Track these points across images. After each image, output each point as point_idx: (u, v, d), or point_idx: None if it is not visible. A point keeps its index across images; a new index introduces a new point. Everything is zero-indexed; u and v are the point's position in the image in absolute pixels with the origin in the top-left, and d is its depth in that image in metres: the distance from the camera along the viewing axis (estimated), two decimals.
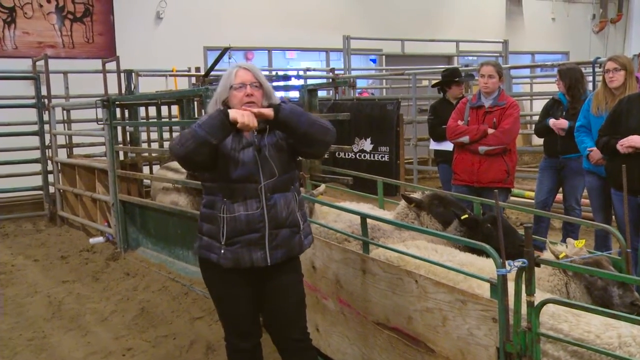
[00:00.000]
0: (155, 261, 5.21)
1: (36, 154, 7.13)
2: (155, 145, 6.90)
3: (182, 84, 8.57)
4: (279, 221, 2.41)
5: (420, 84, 9.02)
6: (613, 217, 4.17)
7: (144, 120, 6.48)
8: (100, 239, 6.07)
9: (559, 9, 13.35)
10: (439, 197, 3.51)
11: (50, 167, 7.19)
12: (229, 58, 6.15)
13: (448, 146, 4.94)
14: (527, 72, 11.13)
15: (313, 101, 5.29)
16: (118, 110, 5.85)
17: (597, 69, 5.55)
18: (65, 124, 7.47)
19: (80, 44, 8.79)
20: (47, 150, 7.14)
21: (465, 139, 4.33)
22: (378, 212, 3.75)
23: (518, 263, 2.01)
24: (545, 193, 4.76)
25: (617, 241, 2.63)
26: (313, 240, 2.63)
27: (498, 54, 10.90)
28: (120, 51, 8.58)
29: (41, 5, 8.51)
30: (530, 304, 2.00)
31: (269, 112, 2.33)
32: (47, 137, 7.09)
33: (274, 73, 9.32)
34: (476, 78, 4.80)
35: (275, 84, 5.41)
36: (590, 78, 5.81)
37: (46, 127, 7.08)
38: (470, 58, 12.16)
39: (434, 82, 6.41)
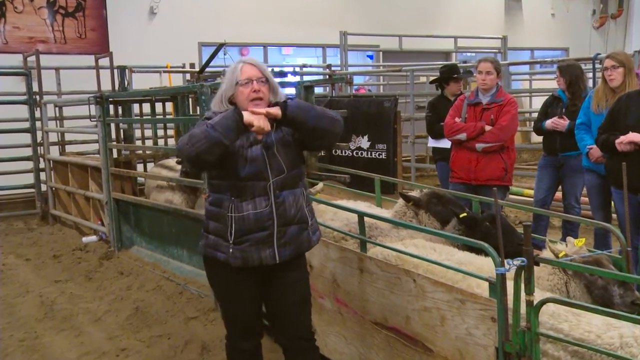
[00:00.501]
0: (150, 260, 5.17)
1: (28, 152, 7.07)
2: (149, 143, 6.84)
3: (177, 81, 8.48)
4: (287, 218, 2.39)
5: (418, 81, 8.96)
6: (613, 215, 4.14)
7: (138, 117, 6.41)
8: (94, 237, 6.01)
9: (558, 4, 13.30)
10: (437, 195, 3.49)
11: (42, 165, 7.12)
12: (224, 54, 6.09)
13: (446, 143, 4.90)
14: (526, 68, 11.13)
15: (309, 98, 5.23)
16: (111, 107, 5.78)
17: (597, 66, 5.52)
18: (58, 121, 7.39)
19: (73, 40, 8.66)
20: (39, 148, 7.07)
21: (463, 136, 4.31)
22: (375, 210, 3.72)
23: (517, 262, 2.00)
24: (545, 191, 4.73)
25: (617, 240, 2.61)
26: (321, 236, 2.60)
27: (497, 50, 10.82)
28: (113, 47, 8.49)
29: (32, 0, 8.40)
30: (529, 304, 1.99)
31: (277, 111, 2.30)
32: (39, 134, 7.01)
33: (270, 69, 9.24)
34: (474, 74, 4.76)
35: None
36: (591, 74, 5.79)
37: (38, 124, 7.00)
38: (469, 54, 12.11)
39: (431, 78, 6.38)
